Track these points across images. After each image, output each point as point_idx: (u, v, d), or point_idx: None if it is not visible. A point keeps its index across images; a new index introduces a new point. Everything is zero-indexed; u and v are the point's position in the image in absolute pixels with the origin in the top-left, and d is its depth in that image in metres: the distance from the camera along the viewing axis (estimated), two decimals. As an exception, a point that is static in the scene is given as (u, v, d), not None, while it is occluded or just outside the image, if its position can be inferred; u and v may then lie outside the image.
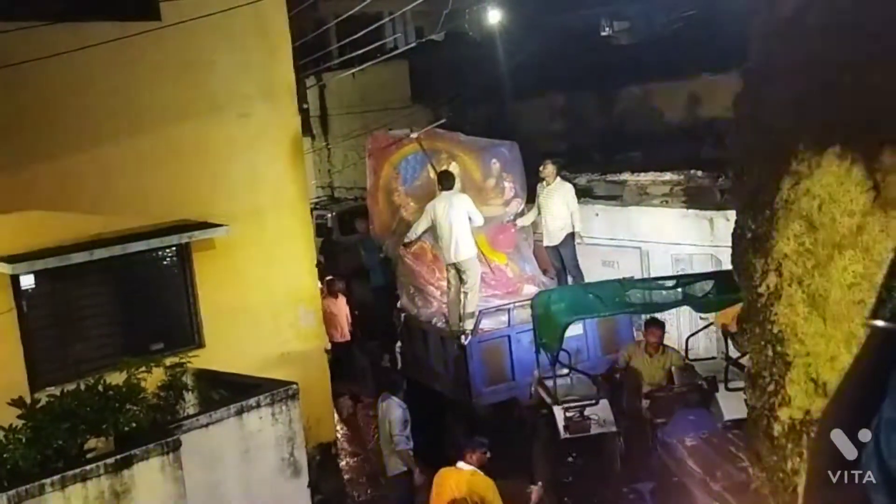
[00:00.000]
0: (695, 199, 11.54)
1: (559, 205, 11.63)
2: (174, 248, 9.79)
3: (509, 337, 10.62)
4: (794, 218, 2.51)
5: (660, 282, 9.36)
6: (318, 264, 12.34)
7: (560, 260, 11.84)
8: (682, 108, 14.33)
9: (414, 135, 12.27)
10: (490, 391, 10.51)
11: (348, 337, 13.67)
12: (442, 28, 17.35)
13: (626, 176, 12.57)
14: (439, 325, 11.21)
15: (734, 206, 2.83)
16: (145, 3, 9.38)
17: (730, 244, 10.76)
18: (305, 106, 22.20)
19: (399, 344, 12.13)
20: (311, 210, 14.02)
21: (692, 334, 10.17)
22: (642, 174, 12.37)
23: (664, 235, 11.82)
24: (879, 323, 1.71)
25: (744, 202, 2.72)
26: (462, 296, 10.80)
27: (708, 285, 8.62)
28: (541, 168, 11.81)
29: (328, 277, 14.05)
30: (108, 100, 9.34)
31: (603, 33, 20.89)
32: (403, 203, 12.10)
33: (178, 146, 9.85)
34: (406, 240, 11.40)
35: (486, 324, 10.65)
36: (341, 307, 13.65)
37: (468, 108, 14.16)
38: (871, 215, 2.34)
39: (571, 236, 11.61)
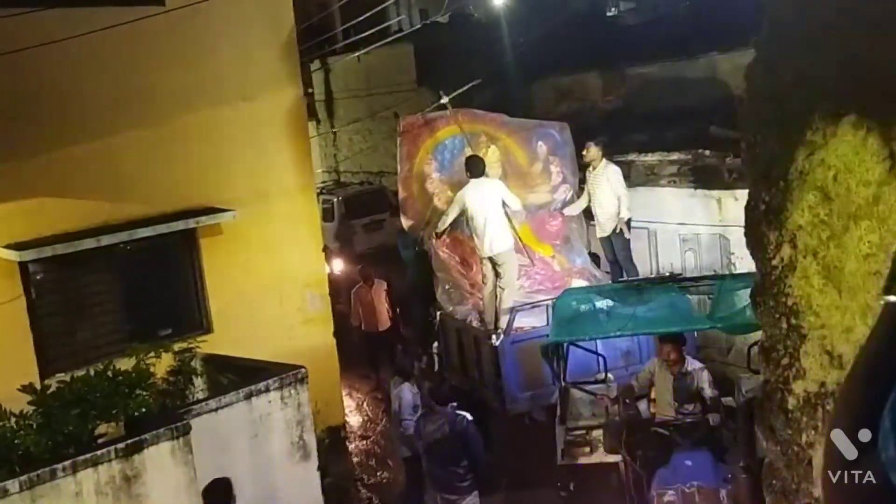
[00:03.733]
0: (703, 178, 11.44)
1: (606, 191, 10.67)
2: (181, 234, 9.78)
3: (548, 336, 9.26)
4: (809, 189, 2.48)
5: (691, 283, 8.15)
6: (325, 249, 12.31)
7: (613, 252, 10.88)
8: (689, 88, 14.24)
9: (445, 99, 11.07)
10: (525, 397, 9.41)
11: (388, 325, 13.01)
12: (447, 10, 17.30)
13: (633, 156, 12.45)
14: (474, 323, 10.28)
15: (747, 177, 2.80)
16: (149, -12, 9.34)
17: (738, 224, 10.58)
18: (310, 90, 22.14)
19: (436, 344, 11.10)
20: (317, 195, 13.98)
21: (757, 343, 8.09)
22: (649, 154, 12.25)
23: (672, 215, 11.74)
24: (893, 298, 1.68)
25: (757, 174, 2.69)
26: (498, 291, 9.93)
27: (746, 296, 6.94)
28: (583, 151, 10.88)
29: (359, 266, 13.65)
30: (113, 86, 9.33)
31: (609, 13, 20.81)
32: (437, 191, 11.00)
33: (183, 132, 9.83)
34: (436, 230, 10.50)
35: (524, 322, 9.69)
36: (379, 295, 12.95)
37: (473, 89, 14.06)
38: (886, 185, 2.31)
39: (626, 224, 10.62)
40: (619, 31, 18.66)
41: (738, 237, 10.90)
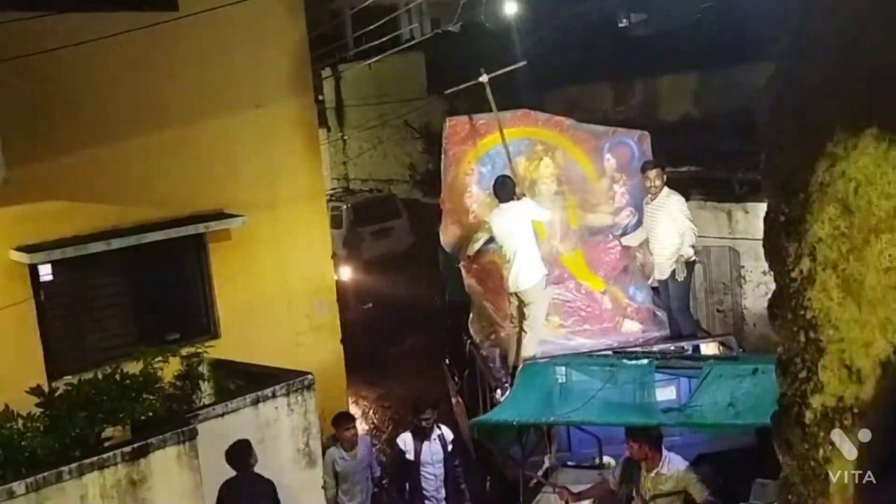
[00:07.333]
0: (713, 191, 11.45)
1: (665, 225, 8.74)
2: (190, 238, 9.79)
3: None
4: (829, 201, 2.46)
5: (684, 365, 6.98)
6: (334, 255, 12.30)
7: (668, 299, 9.12)
8: (700, 100, 14.24)
9: (485, 77, 9.52)
10: (534, 462, 7.94)
11: None
12: (458, 19, 17.34)
13: (643, 168, 12.42)
14: (497, 363, 8.98)
15: (765, 189, 2.79)
16: (162, -7, 9.38)
17: (748, 237, 10.48)
18: (321, 97, 22.21)
19: (466, 372, 10.07)
20: (326, 202, 13.97)
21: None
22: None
23: (682, 228, 11.71)
24: None
25: (776, 185, 2.67)
26: (522, 334, 8.59)
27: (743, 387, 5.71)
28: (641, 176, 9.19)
29: None
30: (125, 90, 9.35)
31: (620, 24, 20.83)
32: (475, 206, 9.57)
33: (194, 137, 9.85)
34: (467, 253, 9.32)
35: None
36: None
37: (484, 99, 14.04)
38: (908, 198, 2.30)
39: (686, 266, 8.71)
40: (631, 42, 18.68)
41: (747, 249, 10.99)
